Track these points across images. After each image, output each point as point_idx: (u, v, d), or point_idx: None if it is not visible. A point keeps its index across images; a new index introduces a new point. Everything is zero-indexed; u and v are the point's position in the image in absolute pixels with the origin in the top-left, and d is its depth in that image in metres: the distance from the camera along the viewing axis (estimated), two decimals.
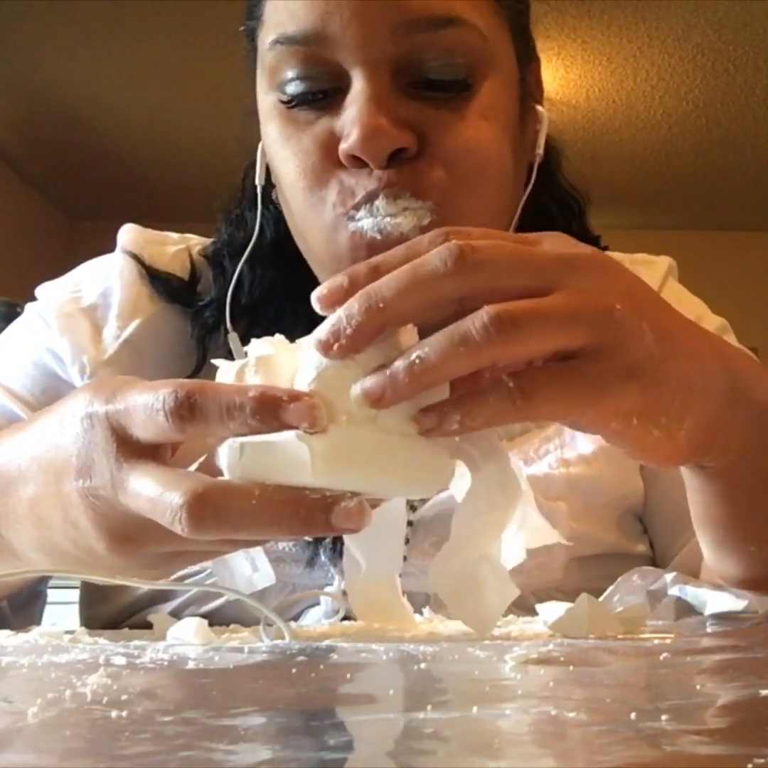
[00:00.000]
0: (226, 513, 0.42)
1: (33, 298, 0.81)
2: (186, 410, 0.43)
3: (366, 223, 0.64)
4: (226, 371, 0.47)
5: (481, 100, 0.66)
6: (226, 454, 0.44)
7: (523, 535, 0.53)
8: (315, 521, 0.42)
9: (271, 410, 0.42)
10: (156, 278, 0.78)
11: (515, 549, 0.53)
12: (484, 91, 0.66)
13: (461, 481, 0.50)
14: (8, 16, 2.87)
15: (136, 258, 0.79)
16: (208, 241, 0.82)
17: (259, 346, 0.47)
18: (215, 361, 0.48)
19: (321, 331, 0.44)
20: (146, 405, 0.44)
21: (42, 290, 0.81)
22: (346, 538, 0.53)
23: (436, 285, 0.44)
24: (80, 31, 2.99)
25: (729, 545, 0.58)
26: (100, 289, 0.78)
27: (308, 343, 0.45)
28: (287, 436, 0.43)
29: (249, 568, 0.52)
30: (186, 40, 2.97)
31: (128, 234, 0.82)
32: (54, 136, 3.74)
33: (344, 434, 0.43)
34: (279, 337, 0.48)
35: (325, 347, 0.43)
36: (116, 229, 0.83)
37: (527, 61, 0.73)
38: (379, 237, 0.64)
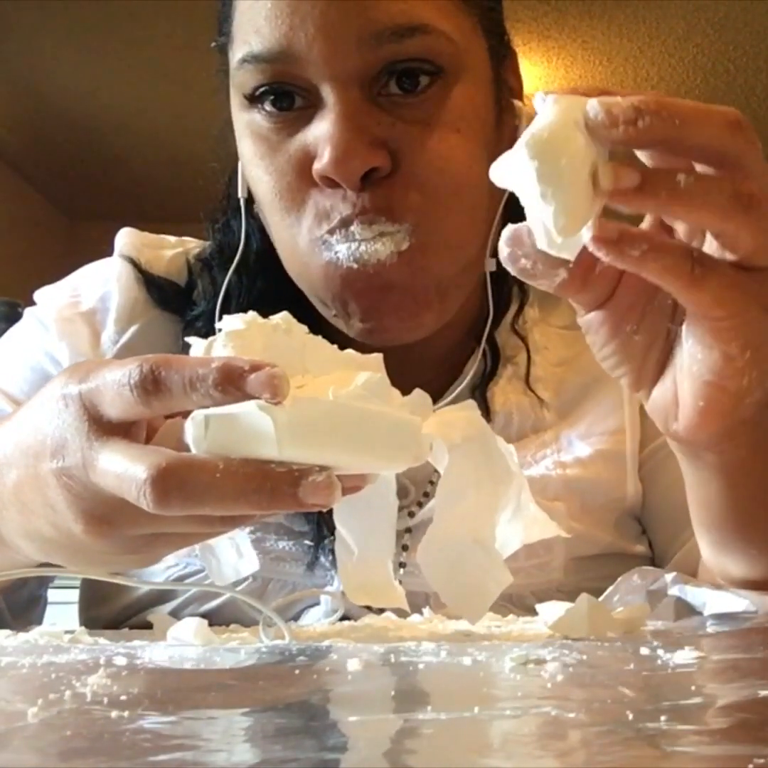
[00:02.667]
0: (191, 487, 0.42)
1: (33, 299, 0.81)
2: (150, 383, 0.43)
3: (342, 250, 0.64)
4: (197, 348, 0.47)
5: (453, 109, 0.66)
6: (191, 427, 0.44)
7: (519, 522, 0.52)
8: (281, 495, 0.42)
9: (232, 380, 0.42)
10: (151, 284, 0.78)
11: (511, 536, 0.53)
12: (455, 98, 0.66)
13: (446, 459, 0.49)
14: (8, 17, 2.87)
15: (133, 263, 0.79)
16: (205, 244, 0.82)
17: (231, 321, 0.47)
18: (188, 339, 0.48)
19: (605, 104, 0.42)
20: (115, 381, 0.45)
21: (41, 295, 0.81)
22: (337, 523, 0.53)
23: (717, 134, 0.44)
24: (80, 31, 2.99)
25: (730, 546, 0.58)
26: (99, 294, 0.78)
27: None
28: (252, 407, 0.42)
29: (235, 556, 0.52)
30: (186, 41, 2.96)
31: (125, 238, 0.82)
32: (54, 136, 3.73)
33: (309, 406, 0.42)
34: (251, 314, 0.47)
35: (611, 119, 0.42)
36: (116, 230, 0.83)
37: (502, 57, 0.72)
38: (355, 266, 0.64)
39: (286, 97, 0.66)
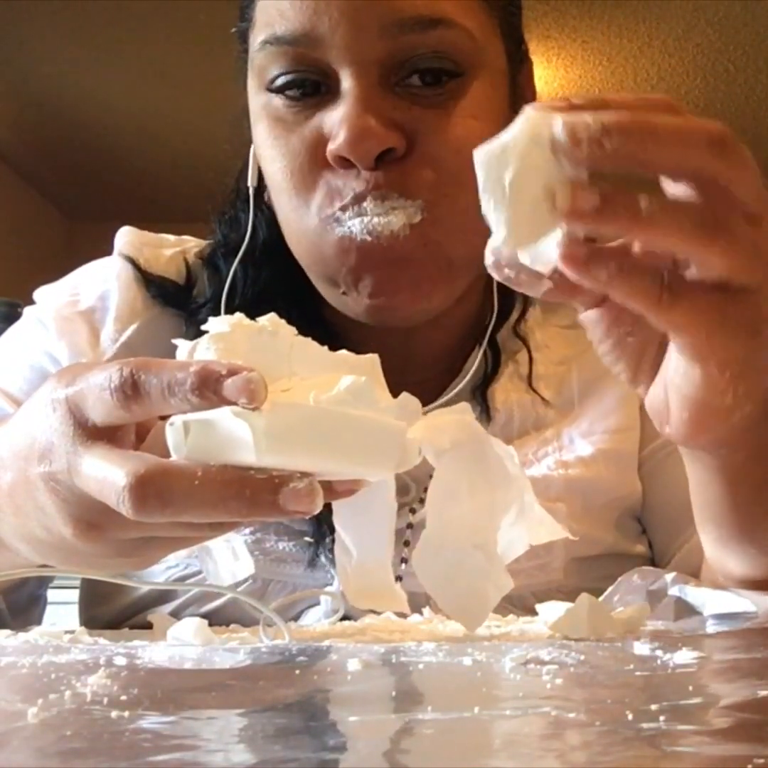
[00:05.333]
0: (169, 494, 0.42)
1: (32, 300, 0.81)
2: (129, 387, 0.43)
3: (354, 225, 0.64)
4: (182, 350, 0.46)
5: (470, 99, 0.66)
6: (171, 433, 0.43)
7: (523, 525, 0.52)
8: (261, 502, 0.41)
9: (209, 385, 0.41)
10: (151, 282, 0.78)
11: (515, 539, 0.52)
12: (473, 92, 0.67)
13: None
14: (8, 17, 2.87)
15: (132, 261, 0.79)
16: (204, 243, 0.82)
17: (216, 323, 0.46)
18: (175, 341, 0.47)
19: (570, 124, 0.40)
20: (97, 385, 0.44)
21: (40, 294, 0.81)
22: (336, 525, 0.52)
23: (701, 155, 0.41)
24: (80, 31, 2.99)
25: (730, 543, 0.58)
26: (98, 293, 0.78)
27: None
28: (229, 413, 0.41)
29: (231, 559, 0.52)
30: (186, 41, 2.97)
31: (125, 237, 0.82)
32: (54, 136, 3.73)
33: (289, 411, 0.41)
34: (238, 315, 0.46)
35: (574, 141, 0.40)
36: (115, 230, 0.83)
37: (519, 62, 0.74)
38: (369, 239, 0.64)
39: (306, 85, 0.66)
